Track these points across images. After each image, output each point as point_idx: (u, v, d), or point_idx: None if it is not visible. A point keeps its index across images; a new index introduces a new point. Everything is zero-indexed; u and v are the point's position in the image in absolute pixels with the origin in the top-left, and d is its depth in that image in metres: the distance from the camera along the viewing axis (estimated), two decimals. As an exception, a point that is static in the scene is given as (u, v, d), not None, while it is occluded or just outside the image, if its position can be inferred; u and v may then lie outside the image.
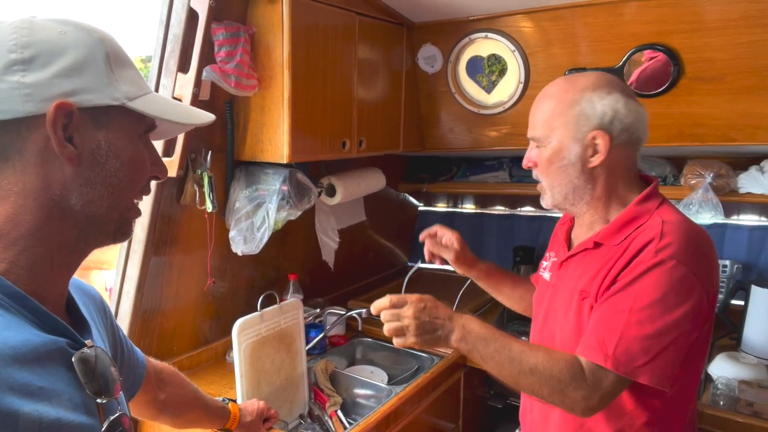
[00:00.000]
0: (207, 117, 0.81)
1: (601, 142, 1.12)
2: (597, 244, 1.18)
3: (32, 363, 0.60)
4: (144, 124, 0.73)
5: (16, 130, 0.63)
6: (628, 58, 1.79)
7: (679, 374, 1.08)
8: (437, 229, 1.52)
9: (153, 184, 0.82)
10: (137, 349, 1.06)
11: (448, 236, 1.51)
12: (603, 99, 1.13)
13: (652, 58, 1.78)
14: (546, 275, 1.36)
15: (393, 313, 1.11)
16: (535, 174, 1.24)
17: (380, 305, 1.13)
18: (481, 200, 2.88)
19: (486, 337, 1.10)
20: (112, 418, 0.70)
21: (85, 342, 0.69)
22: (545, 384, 1.07)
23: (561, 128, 1.15)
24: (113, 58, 0.68)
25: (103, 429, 0.69)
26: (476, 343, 1.10)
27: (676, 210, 1.15)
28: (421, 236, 1.54)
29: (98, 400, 0.69)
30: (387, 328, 1.12)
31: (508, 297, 1.59)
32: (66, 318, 0.72)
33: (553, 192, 1.20)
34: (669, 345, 1.03)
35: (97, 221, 0.69)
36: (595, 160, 1.14)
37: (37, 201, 0.65)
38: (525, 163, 1.24)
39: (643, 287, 1.05)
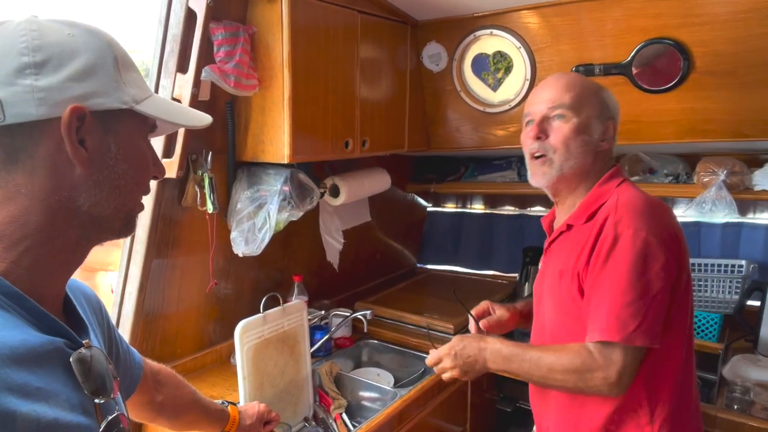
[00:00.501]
0: (206, 119, 0.82)
1: (611, 130, 1.27)
2: (569, 226, 1.27)
3: (30, 363, 0.60)
4: (147, 125, 0.73)
5: (28, 133, 0.63)
6: (636, 53, 1.75)
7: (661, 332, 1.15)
8: (487, 307, 1.53)
9: (152, 183, 0.82)
10: (134, 350, 1.05)
11: (496, 317, 1.51)
12: (611, 97, 1.29)
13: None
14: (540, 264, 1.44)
15: (440, 367, 1.34)
16: (543, 145, 1.24)
17: (431, 364, 1.37)
18: (490, 200, 2.85)
19: (509, 356, 1.23)
20: (110, 418, 0.70)
21: (83, 342, 0.69)
22: (568, 378, 1.17)
23: (590, 106, 1.24)
24: (121, 62, 0.69)
25: (101, 429, 0.68)
26: (503, 363, 1.25)
27: (634, 187, 1.25)
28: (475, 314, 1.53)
29: (96, 400, 0.68)
30: (444, 378, 1.35)
31: None
32: (63, 318, 0.72)
33: (565, 165, 1.23)
34: (651, 304, 1.11)
35: (102, 221, 0.70)
36: (605, 145, 1.26)
37: (44, 203, 0.65)
38: (536, 132, 1.24)
39: (614, 261, 1.13)
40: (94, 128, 0.66)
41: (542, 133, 1.24)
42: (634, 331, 1.10)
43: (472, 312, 1.49)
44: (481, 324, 1.46)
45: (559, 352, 1.19)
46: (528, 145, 1.28)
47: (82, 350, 0.68)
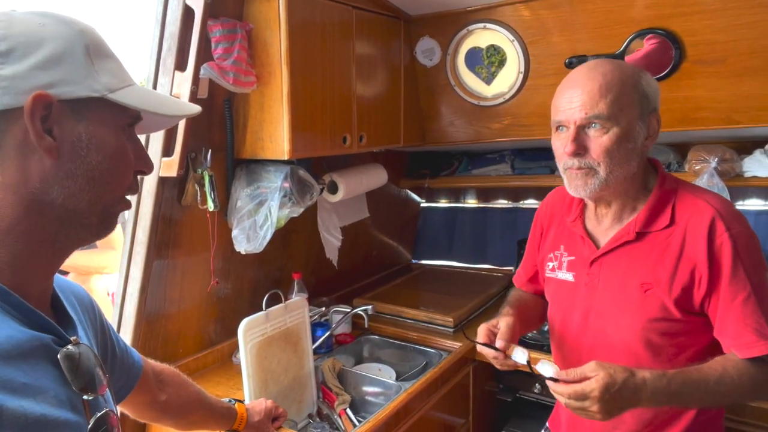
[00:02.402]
0: (192, 108, 0.80)
1: (655, 125, 1.13)
2: (640, 234, 1.16)
3: (16, 359, 0.60)
4: (128, 117, 0.71)
5: None
6: (628, 44, 1.77)
7: None
8: (488, 329, 1.26)
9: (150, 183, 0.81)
10: (133, 350, 1.05)
11: (506, 329, 1.25)
12: (651, 81, 1.13)
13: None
14: (566, 276, 1.29)
15: (578, 406, 1.01)
16: (583, 161, 1.12)
17: (566, 396, 1.01)
18: (484, 194, 2.86)
19: (678, 392, 1.03)
20: (98, 414, 0.70)
21: (71, 338, 0.69)
22: (746, 396, 1.11)
23: (629, 108, 1.09)
24: (93, 50, 0.68)
25: (89, 426, 0.68)
26: (668, 400, 1.04)
27: (693, 185, 1.20)
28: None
29: (84, 397, 0.68)
30: (571, 408, 1.03)
31: (537, 319, 1.49)
32: (51, 315, 0.72)
33: (610, 176, 1.11)
34: None
35: (78, 215, 0.68)
36: (649, 143, 1.14)
37: (17, 195, 0.64)
38: (574, 149, 1.11)
39: (743, 268, 1.07)
40: (63, 117, 0.64)
41: (581, 149, 1.11)
42: None
43: (479, 340, 1.23)
44: (499, 345, 1.18)
45: (737, 368, 1.07)
46: (563, 159, 1.15)
47: (70, 347, 0.67)
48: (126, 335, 1.61)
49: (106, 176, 0.69)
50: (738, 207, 2.19)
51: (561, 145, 1.15)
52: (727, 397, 1.08)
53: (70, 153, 0.66)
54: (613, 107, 1.08)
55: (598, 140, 1.10)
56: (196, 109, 0.80)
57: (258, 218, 1.69)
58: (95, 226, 0.71)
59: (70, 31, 0.66)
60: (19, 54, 0.62)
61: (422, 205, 3.02)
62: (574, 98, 1.11)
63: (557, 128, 1.17)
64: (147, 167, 0.76)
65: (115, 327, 1.62)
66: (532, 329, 1.52)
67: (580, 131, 1.12)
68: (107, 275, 2.19)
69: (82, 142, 0.66)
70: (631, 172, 1.14)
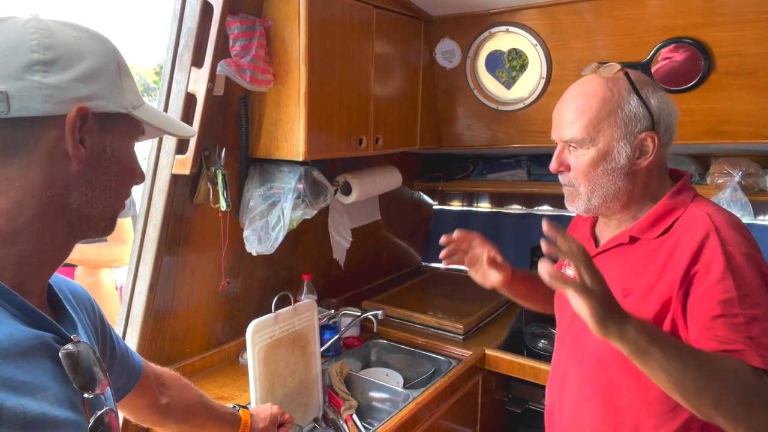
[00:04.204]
0: (190, 131, 0.88)
1: (650, 144, 1.09)
2: (633, 239, 1.14)
3: (16, 357, 0.61)
4: (138, 132, 0.76)
5: (29, 128, 0.64)
6: (656, 52, 1.72)
7: None
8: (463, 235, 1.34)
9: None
10: (133, 351, 1.05)
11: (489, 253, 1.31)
12: (650, 98, 1.09)
13: (666, 59, 1.72)
14: (569, 272, 1.27)
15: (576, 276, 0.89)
16: (567, 178, 1.16)
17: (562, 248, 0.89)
18: (497, 199, 2.82)
19: (665, 334, 0.94)
20: (98, 413, 0.70)
21: (71, 337, 0.70)
22: (733, 391, 0.91)
23: (610, 129, 1.08)
24: (122, 69, 0.72)
25: (89, 425, 0.68)
26: (658, 334, 0.91)
27: (711, 201, 1.15)
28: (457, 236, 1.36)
29: (84, 396, 0.69)
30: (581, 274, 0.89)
31: (543, 297, 1.46)
32: (50, 313, 0.73)
33: (592, 197, 1.13)
34: None
35: (89, 220, 0.71)
36: (642, 162, 1.10)
37: (36, 198, 0.66)
38: (555, 167, 1.16)
39: (737, 285, 0.97)
40: (94, 129, 0.68)
41: (561, 165, 1.15)
42: None
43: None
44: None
45: (728, 360, 0.94)
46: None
47: (70, 345, 0.68)
48: (133, 332, 1.59)
49: (120, 186, 0.73)
50: (760, 223, 2.15)
51: None
52: (711, 374, 0.90)
53: (94, 163, 0.69)
54: (587, 129, 1.09)
55: (576, 161, 1.13)
56: (192, 132, 0.89)
57: (270, 219, 1.66)
58: (102, 230, 0.75)
59: (105, 48, 0.71)
60: (63, 65, 0.65)
61: (435, 207, 2.99)
62: (559, 117, 1.14)
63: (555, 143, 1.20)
64: (141, 178, 0.80)
65: (122, 324, 1.62)
66: (534, 305, 1.50)
67: (564, 149, 1.15)
68: (116, 269, 2.17)
69: (107, 153, 0.70)
70: (623, 190, 1.12)
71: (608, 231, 1.23)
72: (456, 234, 1.32)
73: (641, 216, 1.15)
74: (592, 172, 1.11)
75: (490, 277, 1.32)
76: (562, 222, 2.75)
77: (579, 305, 0.87)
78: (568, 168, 1.14)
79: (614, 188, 1.12)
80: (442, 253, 1.34)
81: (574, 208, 1.18)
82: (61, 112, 0.65)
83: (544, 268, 0.87)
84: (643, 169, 1.12)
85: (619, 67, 1.11)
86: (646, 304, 1.07)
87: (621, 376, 1.12)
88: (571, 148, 1.13)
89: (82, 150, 0.67)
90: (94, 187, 0.70)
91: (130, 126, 0.74)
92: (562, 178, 1.17)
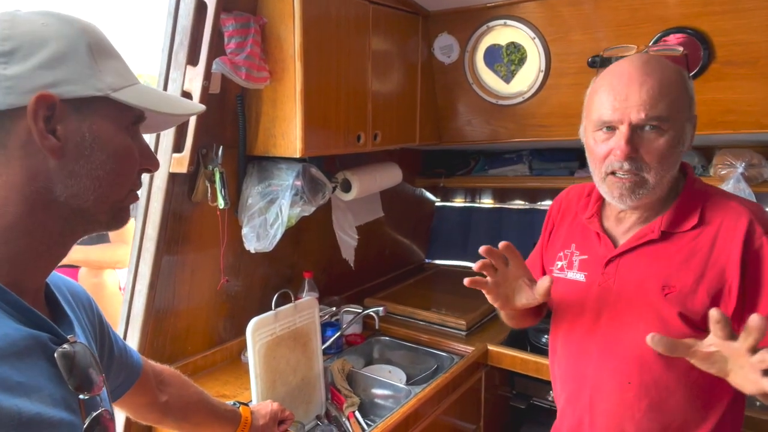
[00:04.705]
0: (196, 107, 0.80)
1: (694, 126, 1.09)
2: (665, 234, 1.09)
3: (11, 357, 0.60)
4: (131, 115, 0.71)
5: None
6: (655, 43, 1.71)
7: None
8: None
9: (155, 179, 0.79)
10: (132, 350, 1.04)
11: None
12: (690, 80, 1.08)
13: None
14: (576, 276, 1.22)
15: None
16: (633, 164, 1.03)
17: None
18: (500, 195, 2.81)
19: None
20: (94, 414, 0.69)
21: (67, 337, 0.68)
22: None
23: (684, 110, 1.04)
24: (96, 49, 0.67)
25: (84, 425, 0.68)
26: None
27: (722, 189, 1.15)
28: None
29: (80, 396, 0.68)
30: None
31: (534, 312, 1.36)
32: (46, 312, 0.72)
33: (658, 184, 1.05)
34: None
35: (84, 213, 0.68)
36: (689, 145, 1.09)
37: (21, 194, 0.64)
38: (628, 151, 1.02)
39: None
40: (68, 117, 0.65)
41: (635, 151, 1.03)
42: None
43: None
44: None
45: None
46: (609, 160, 1.05)
47: (67, 345, 0.67)
48: (134, 332, 1.60)
49: (111, 175, 0.69)
50: (765, 214, 2.13)
51: (607, 147, 1.05)
52: None
53: (74, 152, 0.66)
54: (671, 108, 1.01)
55: (653, 143, 1.02)
56: (200, 108, 0.80)
57: (269, 216, 1.66)
58: (105, 222, 0.71)
59: (72, 29, 0.66)
60: (23, 54, 0.62)
61: (437, 204, 2.98)
62: (630, 96, 1.02)
63: (602, 128, 1.07)
64: (153, 165, 0.76)
65: (123, 323, 1.62)
66: (521, 323, 1.41)
67: (634, 132, 1.03)
68: (120, 270, 2.18)
69: (86, 141, 0.66)
70: (674, 176, 1.09)
71: (624, 225, 1.16)
72: (502, 246, 1.09)
73: (665, 210, 1.11)
74: (668, 155, 1.03)
75: (530, 293, 1.14)
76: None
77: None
78: (638, 151, 1.03)
79: (674, 173, 1.07)
80: (477, 266, 1.10)
81: (631, 200, 1.07)
82: (25, 102, 0.62)
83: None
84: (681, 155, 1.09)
85: (682, 49, 1.09)
86: (693, 299, 1.05)
87: (668, 375, 1.09)
88: (647, 130, 1.03)
89: (52, 140, 0.63)
90: (79, 178, 0.66)
91: (115, 110, 0.69)
92: (625, 165, 1.04)
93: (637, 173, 1.04)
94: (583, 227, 1.24)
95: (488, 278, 1.11)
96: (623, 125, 1.03)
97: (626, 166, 1.04)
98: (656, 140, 1.02)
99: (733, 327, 0.95)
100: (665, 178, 1.06)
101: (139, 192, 0.77)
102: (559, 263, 1.26)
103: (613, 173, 1.07)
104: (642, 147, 1.03)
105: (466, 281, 1.09)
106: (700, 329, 1.05)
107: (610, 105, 1.04)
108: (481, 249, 1.07)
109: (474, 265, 1.09)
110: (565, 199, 1.34)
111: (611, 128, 1.05)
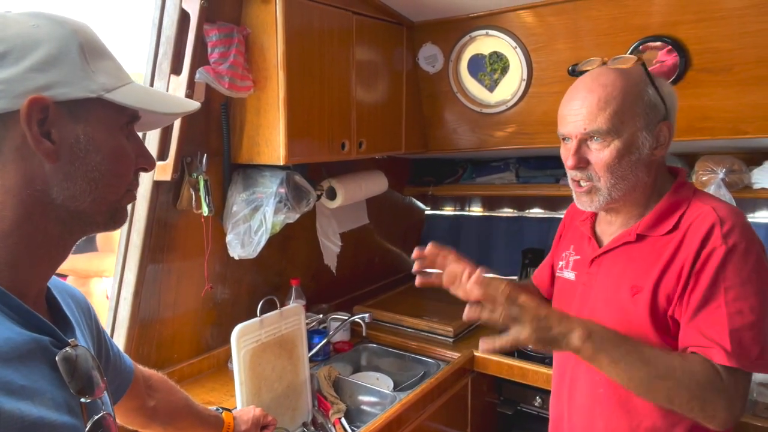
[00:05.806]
0: (190, 105, 0.79)
1: (666, 133, 1.11)
2: (640, 237, 1.14)
3: (14, 361, 0.59)
4: (126, 116, 0.71)
5: None
6: (633, 52, 1.74)
7: None
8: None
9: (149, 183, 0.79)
10: (125, 355, 1.04)
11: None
12: (663, 87, 1.11)
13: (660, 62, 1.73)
14: (569, 275, 1.30)
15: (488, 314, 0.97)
16: (584, 173, 1.12)
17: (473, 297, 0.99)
18: (489, 202, 2.83)
19: (613, 339, 1.00)
20: (95, 417, 0.69)
21: (69, 341, 0.68)
22: (684, 389, 0.98)
23: (635, 119, 1.07)
24: (88, 50, 0.67)
25: (86, 429, 0.67)
26: (603, 343, 0.98)
27: (712, 195, 1.15)
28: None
29: (82, 400, 0.67)
30: (497, 315, 0.97)
31: None
32: (48, 316, 0.71)
33: (613, 190, 1.11)
34: None
35: (82, 215, 0.68)
36: (659, 152, 1.11)
37: (17, 198, 0.63)
38: (575, 162, 1.11)
39: (727, 277, 1.01)
40: (61, 119, 0.64)
41: (581, 162, 1.11)
42: (757, 358, 0.98)
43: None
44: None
45: (684, 357, 1.01)
46: (568, 169, 1.15)
47: (68, 349, 0.67)
48: (119, 339, 1.60)
49: (106, 176, 0.68)
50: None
51: (564, 153, 1.15)
52: (660, 375, 0.98)
53: (69, 155, 0.65)
54: (612, 120, 1.06)
55: (599, 154, 1.09)
56: (195, 105, 0.79)
57: (253, 223, 1.68)
58: (103, 223, 0.71)
59: (64, 31, 0.65)
60: (15, 57, 0.62)
61: (427, 212, 3.00)
62: (576, 110, 1.10)
63: (563, 139, 1.16)
64: (149, 164, 0.75)
65: (108, 331, 1.62)
66: None
67: (582, 144, 1.11)
68: (107, 279, 2.19)
69: (81, 143, 0.66)
70: (641, 182, 1.12)
71: (612, 229, 1.22)
72: (429, 248, 1.21)
73: (647, 212, 1.14)
74: (616, 164, 1.08)
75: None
76: (552, 224, 2.74)
77: (518, 338, 0.95)
78: (587, 162, 1.11)
79: (635, 180, 1.11)
80: (415, 267, 1.22)
81: (590, 204, 1.15)
82: (18, 106, 0.61)
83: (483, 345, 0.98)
84: (657, 160, 1.12)
85: (635, 58, 1.11)
86: (655, 301, 1.08)
87: None
88: (590, 142, 1.10)
89: (46, 143, 0.63)
90: (75, 180, 0.66)
91: (109, 111, 0.68)
92: (577, 174, 1.13)
93: (588, 181, 1.13)
94: (580, 230, 1.31)
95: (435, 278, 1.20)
96: (572, 138, 1.12)
97: (578, 175, 1.13)
98: (601, 151, 1.09)
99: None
100: (620, 185, 1.10)
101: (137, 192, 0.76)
102: (561, 263, 1.35)
103: (574, 180, 1.16)
104: (591, 157, 1.11)
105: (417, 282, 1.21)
106: (665, 330, 1.08)
107: (563, 119, 1.14)
108: (414, 254, 1.21)
109: (414, 267, 1.22)
110: (573, 207, 1.40)
111: (567, 139, 1.14)
